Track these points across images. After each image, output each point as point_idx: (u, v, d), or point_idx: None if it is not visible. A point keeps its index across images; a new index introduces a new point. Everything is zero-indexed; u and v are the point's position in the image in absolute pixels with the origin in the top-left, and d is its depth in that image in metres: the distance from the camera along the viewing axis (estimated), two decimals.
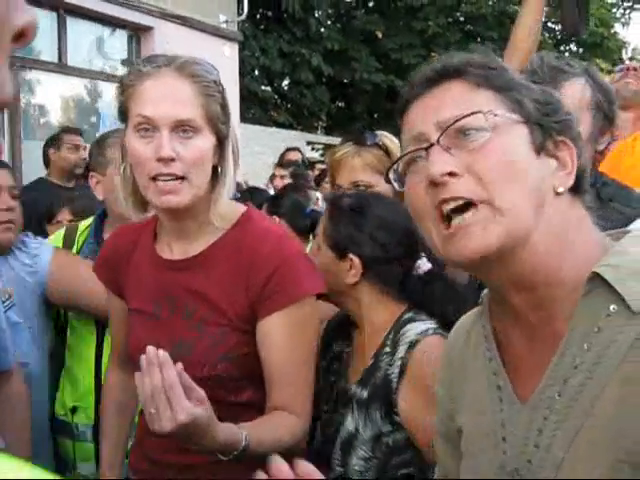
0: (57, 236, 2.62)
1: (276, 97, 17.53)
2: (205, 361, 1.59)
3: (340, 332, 1.90)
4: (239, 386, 1.64)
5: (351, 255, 1.80)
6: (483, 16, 17.57)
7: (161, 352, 1.34)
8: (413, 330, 1.72)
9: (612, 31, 22.42)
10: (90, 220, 2.58)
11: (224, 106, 1.61)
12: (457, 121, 1.01)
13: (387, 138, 2.26)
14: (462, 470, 1.18)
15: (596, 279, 0.98)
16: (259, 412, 1.61)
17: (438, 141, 1.02)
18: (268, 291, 1.58)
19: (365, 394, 1.74)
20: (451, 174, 1.00)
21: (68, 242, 2.53)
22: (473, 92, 1.05)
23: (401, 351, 1.70)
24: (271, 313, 1.58)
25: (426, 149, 1.04)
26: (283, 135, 13.61)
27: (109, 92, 8.88)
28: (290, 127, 16.25)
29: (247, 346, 1.61)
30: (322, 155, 16.86)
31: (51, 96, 8.08)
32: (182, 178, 1.54)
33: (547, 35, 18.77)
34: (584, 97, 1.94)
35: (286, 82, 17.75)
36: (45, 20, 7.74)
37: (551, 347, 1.02)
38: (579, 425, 0.97)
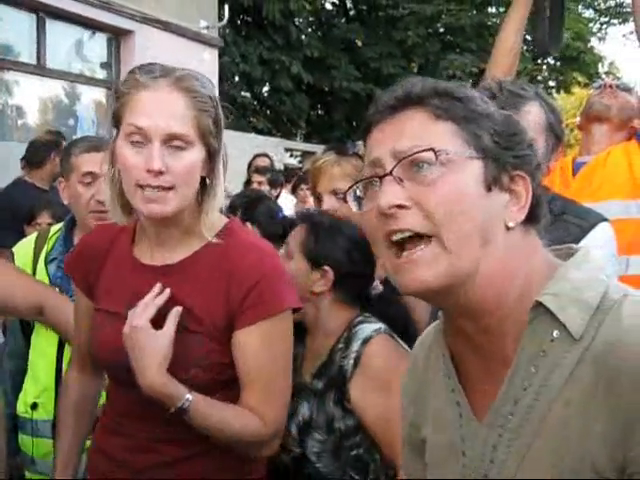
0: (30, 239, 2.65)
1: (255, 103, 17.56)
2: (177, 366, 1.60)
3: (297, 336, 1.97)
4: (209, 391, 1.65)
5: (326, 267, 1.97)
6: (462, 28, 17.73)
7: (166, 290, 1.62)
8: (366, 328, 1.91)
9: (589, 45, 22.74)
10: (62, 224, 2.62)
11: (217, 121, 1.63)
12: (411, 155, 1.04)
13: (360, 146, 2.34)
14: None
15: (539, 307, 1.03)
16: None
17: (391, 172, 1.05)
18: (248, 303, 1.62)
19: (320, 385, 1.94)
20: (399, 206, 1.03)
21: (40, 244, 2.55)
22: (432, 123, 1.06)
23: (355, 346, 1.88)
24: (250, 324, 1.62)
25: (380, 178, 1.06)
26: (262, 141, 13.64)
27: (87, 95, 8.89)
28: (269, 133, 16.29)
29: (220, 354, 1.65)
30: (300, 162, 16.92)
31: (29, 98, 8.07)
32: (169, 188, 1.57)
33: (525, 48, 18.99)
34: (540, 120, 2.00)
35: (266, 89, 17.79)
36: (24, 22, 7.74)
37: (503, 367, 1.07)
38: (529, 443, 1.03)
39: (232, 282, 1.63)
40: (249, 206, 3.54)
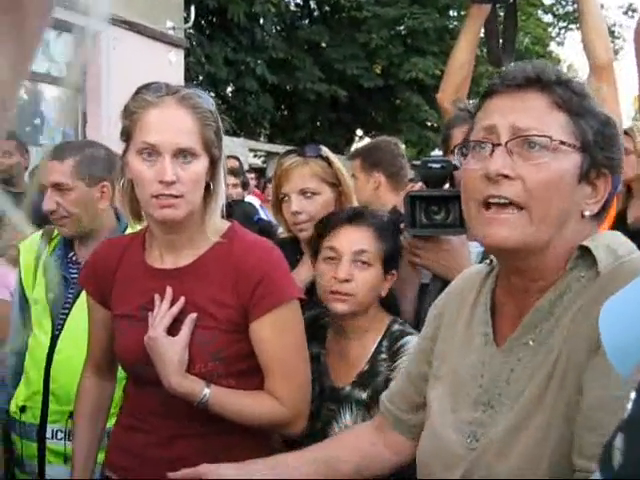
0: (34, 237, 2.60)
1: (220, 104, 17.56)
2: (196, 359, 1.76)
3: (312, 334, 2.00)
4: (231, 380, 1.80)
5: (394, 271, 2.02)
6: (425, 31, 17.91)
7: (182, 298, 1.78)
8: (412, 342, 1.88)
9: (548, 49, 23.16)
10: None
11: (217, 132, 1.81)
12: (530, 135, 1.17)
13: (326, 151, 2.41)
14: (436, 397, 1.38)
15: (579, 258, 1.21)
16: None
17: (506, 144, 1.19)
18: (257, 296, 1.77)
19: (364, 395, 1.93)
20: (505, 176, 1.18)
21: (45, 242, 2.55)
22: (551, 111, 1.20)
23: (405, 361, 1.84)
24: (263, 314, 1.77)
25: (494, 145, 1.20)
26: (226, 141, 13.66)
27: (54, 95, 8.85)
28: (233, 134, 16.31)
29: (236, 345, 1.80)
30: (264, 162, 16.96)
31: None
32: (180, 196, 1.72)
33: (485, 52, 19.20)
34: None
35: (230, 89, 17.81)
36: None
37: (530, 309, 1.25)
38: (542, 360, 1.19)
39: (240, 278, 1.78)
40: (225, 209, 3.65)
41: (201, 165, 1.76)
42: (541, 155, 1.17)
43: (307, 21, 19.51)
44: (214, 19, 16.62)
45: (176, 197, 1.72)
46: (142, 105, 1.73)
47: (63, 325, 2.42)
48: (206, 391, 1.73)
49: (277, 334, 1.79)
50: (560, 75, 1.22)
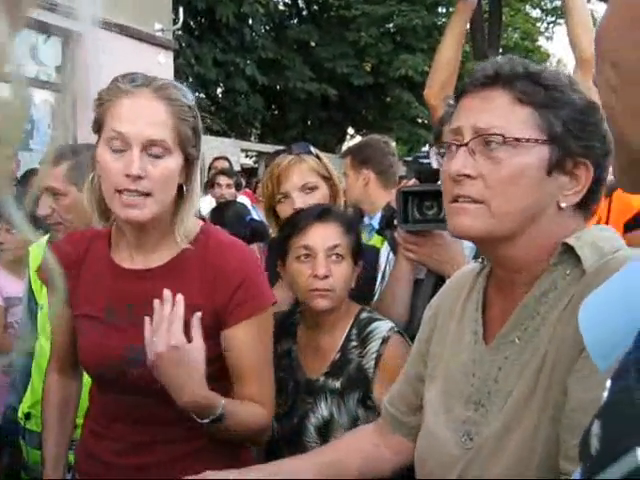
0: (42, 240, 2.54)
1: (210, 105, 17.57)
2: None
3: (283, 331, 2.03)
4: None
5: (359, 262, 2.05)
6: (413, 28, 17.97)
7: (179, 295, 1.56)
8: (381, 327, 1.95)
9: (536, 44, 23.23)
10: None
11: (196, 130, 1.68)
12: (488, 134, 1.19)
13: (313, 147, 2.42)
14: (431, 397, 1.40)
15: (563, 253, 1.21)
16: None
17: (467, 144, 1.21)
18: (236, 301, 1.67)
19: (337, 384, 1.95)
20: (467, 175, 1.20)
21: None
22: (514, 107, 1.20)
23: (374, 346, 1.92)
24: (240, 321, 1.68)
25: (457, 146, 1.22)
26: (217, 142, 13.66)
27: (43, 98, 8.84)
28: (224, 135, 16.32)
29: (207, 351, 1.64)
30: (255, 162, 16.96)
31: None
32: (147, 194, 1.60)
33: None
34: None
35: (220, 90, 17.81)
36: None
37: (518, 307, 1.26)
38: (528, 360, 1.20)
39: (217, 284, 1.68)
40: (218, 210, 3.66)
41: (173, 162, 1.63)
42: (499, 152, 1.18)
43: (296, 20, 19.54)
44: (203, 20, 16.63)
45: (142, 195, 1.59)
46: (115, 94, 1.62)
47: None
48: (222, 401, 1.60)
49: (257, 340, 1.72)
50: (526, 69, 1.23)
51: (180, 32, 12.96)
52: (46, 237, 2.58)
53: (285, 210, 2.30)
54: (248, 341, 1.70)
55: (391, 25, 18.76)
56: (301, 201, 2.24)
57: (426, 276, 2.10)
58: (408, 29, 18.13)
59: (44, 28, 8.85)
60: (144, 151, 1.59)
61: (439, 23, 18.33)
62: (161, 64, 9.75)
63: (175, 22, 10.70)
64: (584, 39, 2.56)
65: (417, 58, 17.44)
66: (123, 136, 1.59)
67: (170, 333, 1.54)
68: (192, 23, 16.28)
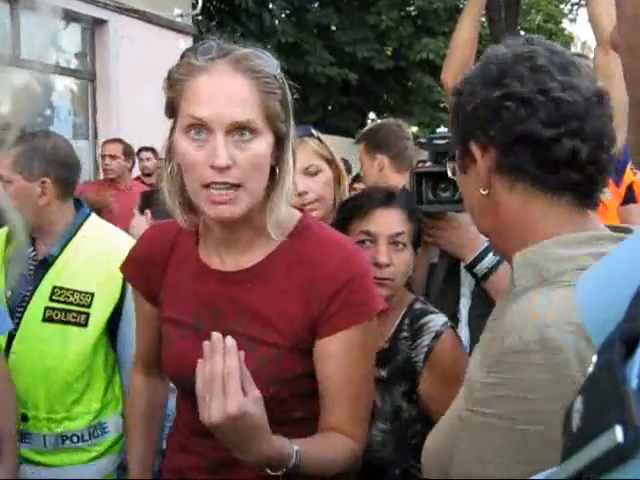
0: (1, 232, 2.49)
1: None
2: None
3: None
4: (291, 407, 1.49)
5: (418, 250, 1.98)
6: (435, 11, 17.82)
7: (228, 339, 1.22)
8: (435, 322, 1.89)
9: (560, 27, 22.93)
10: None
11: (284, 102, 1.47)
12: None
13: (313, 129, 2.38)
14: None
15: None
16: (309, 428, 1.48)
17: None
18: (334, 309, 1.45)
19: (384, 373, 1.90)
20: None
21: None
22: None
23: (426, 340, 1.87)
24: (335, 332, 1.45)
25: None
26: None
27: (63, 85, 8.88)
28: None
29: (300, 366, 1.48)
30: None
31: (4, 88, 8.03)
32: (237, 185, 1.39)
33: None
34: None
35: None
36: None
37: None
38: None
39: (315, 286, 1.46)
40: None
41: (264, 144, 1.41)
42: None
43: (316, 4, 19.40)
44: (222, 5, 16.58)
45: (232, 187, 1.38)
46: (188, 71, 1.40)
47: (19, 324, 2.32)
48: (296, 448, 1.32)
49: (351, 356, 1.46)
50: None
51: (200, 17, 12.92)
52: (6, 229, 2.47)
53: None
54: (340, 357, 1.46)
55: (412, 8, 18.61)
56: (304, 184, 2.17)
57: (439, 260, 2.08)
58: (429, 12, 17.97)
59: (64, 14, 8.88)
60: (229, 136, 1.37)
61: (461, 6, 18.11)
62: (181, 50, 9.71)
63: (194, 7, 10.67)
64: (605, 18, 2.51)
65: (438, 41, 17.27)
66: (203, 121, 1.37)
67: (226, 397, 1.19)
68: (211, 8, 16.25)
